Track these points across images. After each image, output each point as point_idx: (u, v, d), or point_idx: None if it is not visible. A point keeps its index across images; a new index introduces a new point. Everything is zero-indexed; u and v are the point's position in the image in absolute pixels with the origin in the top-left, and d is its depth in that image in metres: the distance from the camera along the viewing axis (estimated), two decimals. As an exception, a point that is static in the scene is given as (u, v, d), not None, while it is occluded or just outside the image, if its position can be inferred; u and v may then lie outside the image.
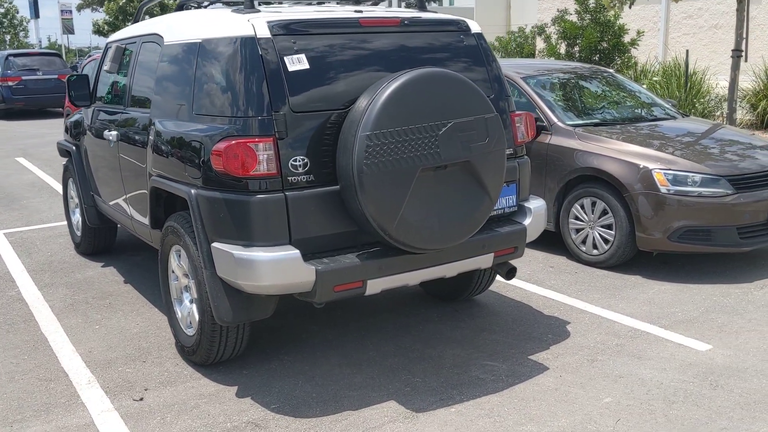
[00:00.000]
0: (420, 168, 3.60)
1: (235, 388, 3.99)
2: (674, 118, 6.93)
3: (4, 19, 45.16)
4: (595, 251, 5.91)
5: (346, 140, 3.59)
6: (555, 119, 6.30)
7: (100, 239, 6.41)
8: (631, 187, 5.61)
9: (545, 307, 5.08)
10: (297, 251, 3.58)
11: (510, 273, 4.48)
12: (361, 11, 4.20)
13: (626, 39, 14.12)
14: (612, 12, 14.21)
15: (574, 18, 14.90)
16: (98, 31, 32.25)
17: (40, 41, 43.50)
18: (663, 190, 5.48)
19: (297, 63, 3.72)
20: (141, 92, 4.89)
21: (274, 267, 3.56)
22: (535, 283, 5.59)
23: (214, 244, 3.72)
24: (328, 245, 3.78)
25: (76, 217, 6.60)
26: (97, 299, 5.45)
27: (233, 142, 3.58)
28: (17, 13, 45.69)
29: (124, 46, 5.37)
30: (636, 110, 7.00)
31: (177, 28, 4.48)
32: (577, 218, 6.01)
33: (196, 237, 3.83)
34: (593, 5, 14.17)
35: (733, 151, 6.06)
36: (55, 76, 19.45)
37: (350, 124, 3.60)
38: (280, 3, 4.77)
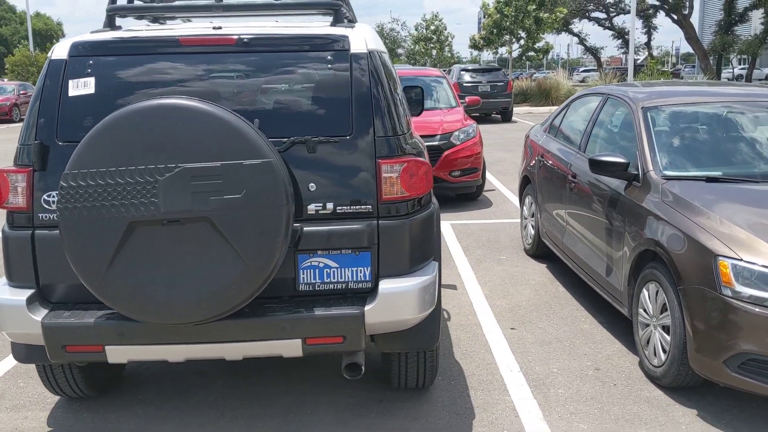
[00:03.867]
0: (129, 220, 2.89)
1: (50, 429, 3.74)
2: None
3: (432, 36, 49.63)
4: (655, 360, 4.11)
5: None
6: (649, 166, 4.53)
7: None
8: (686, 278, 3.75)
9: (487, 425, 3.69)
10: (22, 298, 3.19)
11: (349, 369, 3.37)
12: (220, 27, 3.53)
13: None
14: None
15: None
16: (474, 45, 33.38)
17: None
18: (726, 290, 3.53)
19: (81, 87, 3.30)
20: None
21: (1, 312, 3.22)
22: (536, 386, 4.11)
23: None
24: (93, 297, 3.28)
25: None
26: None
27: None
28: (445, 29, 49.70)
29: None
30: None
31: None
32: (644, 309, 4.25)
33: None
34: None
35: None
36: None
37: None
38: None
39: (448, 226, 8.22)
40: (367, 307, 3.18)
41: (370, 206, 3.28)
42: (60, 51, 3.39)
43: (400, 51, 57.57)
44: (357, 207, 3.28)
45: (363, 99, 3.31)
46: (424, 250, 3.48)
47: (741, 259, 3.54)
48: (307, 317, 3.14)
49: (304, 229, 3.22)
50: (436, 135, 9.11)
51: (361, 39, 3.42)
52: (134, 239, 2.92)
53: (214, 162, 2.89)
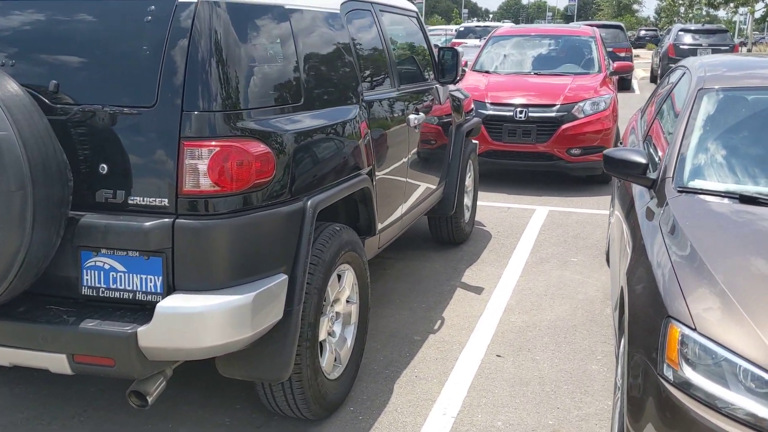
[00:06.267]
0: None
1: None
2: None
3: None
4: (614, 439, 3.00)
5: None
6: (669, 171, 3.28)
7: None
8: (632, 337, 2.62)
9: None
10: None
11: (135, 396, 2.73)
12: None
13: None
14: None
15: None
16: (709, 3, 29.06)
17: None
18: (667, 371, 2.37)
19: None
20: None
21: None
22: (453, 444, 3.19)
23: None
24: None
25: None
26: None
27: None
28: None
29: None
30: None
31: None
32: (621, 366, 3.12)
33: None
34: None
35: None
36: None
37: None
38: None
39: (545, 212, 7.09)
40: (141, 328, 2.53)
41: (165, 200, 2.60)
42: None
43: (635, 6, 53.01)
44: (151, 199, 2.61)
45: (175, 61, 2.61)
46: (258, 262, 2.73)
47: (695, 330, 2.35)
48: (69, 330, 2.57)
49: (84, 220, 2.63)
50: (554, 105, 7.89)
51: None
52: None
53: (-63, 133, 2.39)
